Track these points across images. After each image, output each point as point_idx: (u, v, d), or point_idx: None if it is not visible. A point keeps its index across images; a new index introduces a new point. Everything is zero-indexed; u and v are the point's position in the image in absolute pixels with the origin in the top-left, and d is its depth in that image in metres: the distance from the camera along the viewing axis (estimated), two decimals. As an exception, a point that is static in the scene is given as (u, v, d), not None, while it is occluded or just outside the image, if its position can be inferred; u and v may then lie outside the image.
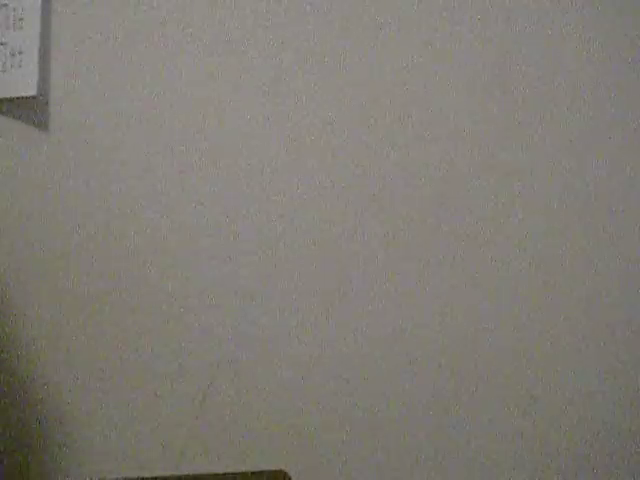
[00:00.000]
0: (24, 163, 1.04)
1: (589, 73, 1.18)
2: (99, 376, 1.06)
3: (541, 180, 1.17)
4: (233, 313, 1.09)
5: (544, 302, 1.17)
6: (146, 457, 1.07)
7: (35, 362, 1.05)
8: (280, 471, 1.00)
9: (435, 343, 1.14)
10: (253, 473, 1.01)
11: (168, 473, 1.07)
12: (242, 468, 1.08)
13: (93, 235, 1.06)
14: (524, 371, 1.17)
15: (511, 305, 1.17)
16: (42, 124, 1.04)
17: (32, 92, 1.03)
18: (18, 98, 1.03)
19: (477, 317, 1.16)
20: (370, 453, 1.13)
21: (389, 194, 1.13)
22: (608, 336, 1.19)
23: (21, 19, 1.03)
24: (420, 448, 1.14)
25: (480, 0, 1.15)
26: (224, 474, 1.01)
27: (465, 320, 1.15)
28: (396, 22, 1.13)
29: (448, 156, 1.15)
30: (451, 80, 1.14)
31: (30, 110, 1.04)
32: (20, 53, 1.03)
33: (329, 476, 1.12)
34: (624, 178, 1.19)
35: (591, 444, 1.18)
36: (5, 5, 1.03)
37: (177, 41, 1.07)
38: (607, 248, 1.19)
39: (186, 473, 1.07)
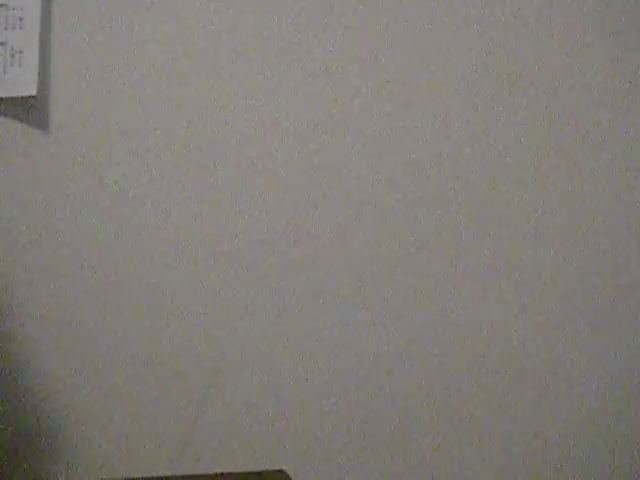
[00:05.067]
0: (24, 162, 1.04)
1: (591, 74, 1.18)
2: (99, 376, 1.06)
3: (542, 180, 1.17)
4: (234, 314, 1.10)
5: (545, 301, 1.18)
6: (146, 457, 1.07)
7: (35, 362, 1.05)
8: (280, 471, 1.00)
9: (435, 344, 1.15)
10: (253, 473, 1.01)
11: (168, 473, 1.07)
12: (242, 468, 1.08)
13: (93, 234, 1.06)
14: (528, 370, 1.17)
15: (512, 303, 1.17)
16: (42, 124, 1.04)
17: (32, 92, 1.03)
18: (18, 98, 1.03)
19: (481, 315, 1.16)
20: (370, 453, 1.13)
21: (391, 194, 1.13)
22: (611, 332, 1.19)
23: (21, 19, 1.03)
24: (420, 448, 1.14)
25: (483, 1, 1.15)
26: (224, 474, 1.01)
27: (467, 319, 1.16)
28: (399, 22, 1.13)
29: (450, 157, 1.15)
30: (453, 80, 1.15)
31: (30, 110, 1.04)
32: (20, 53, 1.03)
33: (329, 476, 1.12)
34: (626, 178, 1.19)
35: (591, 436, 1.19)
36: (5, 5, 1.03)
37: (177, 41, 1.07)
38: (608, 245, 1.19)
39: (186, 473, 1.07)
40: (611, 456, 1.19)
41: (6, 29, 1.03)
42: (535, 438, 1.17)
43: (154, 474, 1.06)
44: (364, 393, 1.13)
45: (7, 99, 1.03)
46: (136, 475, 1.06)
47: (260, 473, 1.00)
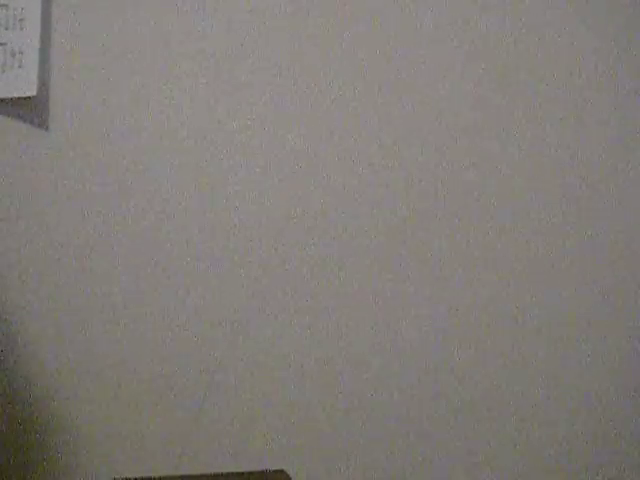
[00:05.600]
0: (24, 162, 1.04)
1: (589, 73, 1.18)
2: (99, 376, 1.06)
3: (541, 178, 1.17)
4: (233, 314, 1.10)
5: (543, 300, 1.18)
6: (146, 457, 1.07)
7: (35, 362, 1.05)
8: (280, 471, 1.00)
9: (435, 345, 1.15)
10: (253, 473, 1.01)
11: (168, 473, 1.07)
12: (242, 468, 1.08)
13: (93, 234, 1.06)
14: (522, 371, 1.17)
15: (509, 304, 1.17)
16: (42, 124, 1.04)
17: (32, 92, 1.03)
18: (18, 98, 1.03)
19: (476, 317, 1.16)
20: (370, 453, 1.13)
21: (391, 193, 1.13)
22: (609, 336, 1.19)
23: (21, 19, 1.03)
24: (419, 448, 1.14)
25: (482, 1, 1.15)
26: (224, 474, 1.01)
27: (464, 320, 1.16)
28: (399, 20, 1.13)
29: (449, 155, 1.15)
30: (453, 80, 1.15)
31: (30, 110, 1.04)
32: (20, 53, 1.03)
33: (329, 476, 1.12)
34: (623, 175, 1.19)
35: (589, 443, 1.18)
36: (5, 5, 1.03)
37: (177, 41, 1.07)
38: (606, 246, 1.19)
39: (186, 473, 1.07)
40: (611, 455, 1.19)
41: (6, 29, 1.03)
42: (539, 435, 1.17)
43: (154, 474, 1.06)
44: (364, 393, 1.13)
45: (7, 99, 1.03)
46: (136, 475, 1.06)
47: (260, 473, 1.00)
